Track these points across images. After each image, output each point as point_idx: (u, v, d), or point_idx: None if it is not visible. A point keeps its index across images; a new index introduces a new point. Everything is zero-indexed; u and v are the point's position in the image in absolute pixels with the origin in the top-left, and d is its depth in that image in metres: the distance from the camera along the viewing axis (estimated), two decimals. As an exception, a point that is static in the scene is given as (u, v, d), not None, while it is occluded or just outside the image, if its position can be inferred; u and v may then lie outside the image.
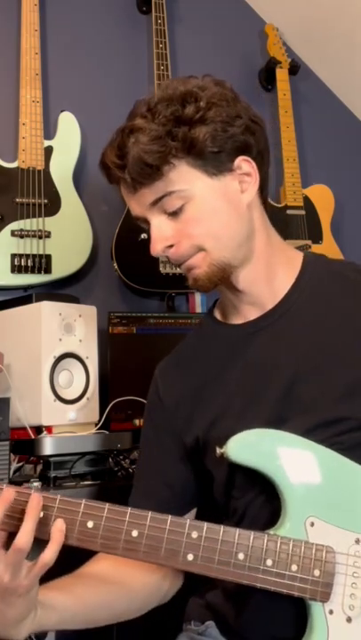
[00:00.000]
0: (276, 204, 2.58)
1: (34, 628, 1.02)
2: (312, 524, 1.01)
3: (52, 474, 1.60)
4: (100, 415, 1.82)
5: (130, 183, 1.12)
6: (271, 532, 1.01)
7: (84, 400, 1.77)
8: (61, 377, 1.75)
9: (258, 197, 1.19)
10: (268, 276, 1.19)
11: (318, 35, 2.78)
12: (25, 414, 1.68)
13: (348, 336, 1.16)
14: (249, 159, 1.14)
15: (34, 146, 2.18)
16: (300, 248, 2.42)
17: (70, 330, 1.77)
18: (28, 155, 2.16)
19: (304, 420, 1.08)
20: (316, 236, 2.58)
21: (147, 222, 1.16)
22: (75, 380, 1.78)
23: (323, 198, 2.65)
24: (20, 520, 0.95)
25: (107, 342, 2.04)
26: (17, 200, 2.12)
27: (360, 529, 1.02)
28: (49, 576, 1.01)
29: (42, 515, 0.96)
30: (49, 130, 2.26)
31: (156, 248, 1.14)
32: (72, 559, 1.05)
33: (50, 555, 0.96)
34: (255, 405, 1.13)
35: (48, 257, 2.11)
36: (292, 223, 2.55)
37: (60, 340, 1.75)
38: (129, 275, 2.23)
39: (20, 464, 1.73)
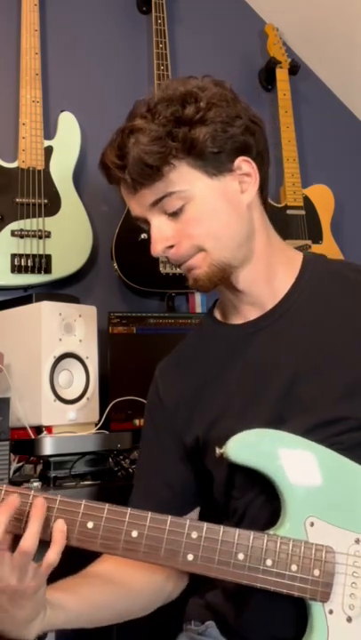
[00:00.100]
0: (276, 204, 2.58)
1: (43, 627, 1.03)
2: (312, 524, 1.01)
3: (52, 474, 1.60)
4: (100, 415, 1.82)
5: (130, 184, 1.12)
6: (271, 532, 1.01)
7: (84, 400, 1.77)
8: (61, 377, 1.75)
9: (258, 198, 1.19)
10: (268, 276, 1.20)
11: (318, 35, 2.78)
12: (25, 414, 1.68)
13: (348, 336, 1.16)
14: (249, 159, 1.14)
15: (34, 146, 2.18)
16: (300, 248, 2.42)
17: (70, 330, 1.77)
18: (28, 155, 2.16)
19: (304, 419, 1.08)
20: (317, 236, 2.58)
21: (147, 223, 1.16)
22: (75, 379, 1.78)
23: (323, 198, 2.65)
24: (25, 523, 0.95)
25: (107, 342, 2.04)
26: (17, 200, 2.12)
27: (360, 529, 1.02)
28: (53, 577, 1.01)
29: None
30: (49, 130, 2.26)
31: (157, 248, 1.14)
32: (75, 559, 1.05)
33: (53, 556, 0.96)
34: (255, 405, 1.13)
35: (48, 257, 2.11)
36: (292, 223, 2.55)
37: (60, 340, 1.75)
38: (129, 275, 2.23)
39: (20, 464, 1.73)
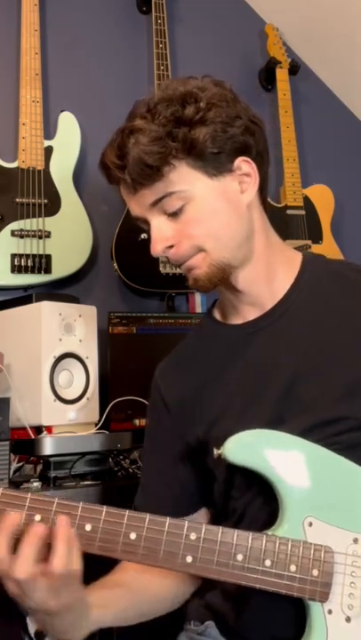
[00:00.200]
0: (276, 204, 2.58)
1: (90, 628, 1.05)
2: (310, 524, 1.01)
3: (52, 474, 1.60)
4: (100, 415, 1.82)
5: (130, 184, 1.12)
6: (269, 532, 1.01)
7: (84, 400, 1.78)
8: (61, 377, 1.75)
9: (257, 198, 1.19)
10: (268, 276, 1.20)
11: (318, 35, 2.78)
12: (25, 414, 1.68)
13: (347, 336, 1.16)
14: (249, 160, 1.14)
15: (34, 146, 2.18)
16: (300, 248, 2.42)
17: (70, 330, 1.78)
18: (28, 155, 2.16)
19: (304, 419, 1.08)
20: (316, 236, 2.58)
21: (147, 223, 1.16)
22: (75, 379, 1.79)
23: (323, 198, 2.66)
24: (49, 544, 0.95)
25: (107, 342, 2.04)
26: (17, 200, 2.12)
27: (358, 528, 1.02)
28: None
29: (39, 518, 0.95)
30: (49, 130, 2.27)
31: (157, 249, 1.14)
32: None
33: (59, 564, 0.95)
34: (255, 405, 1.13)
35: (48, 257, 2.11)
36: (292, 223, 2.55)
37: (60, 340, 1.75)
38: (129, 275, 2.23)
39: (20, 464, 1.73)
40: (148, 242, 1.16)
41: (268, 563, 0.98)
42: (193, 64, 2.54)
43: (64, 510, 0.96)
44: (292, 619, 1.02)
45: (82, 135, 2.28)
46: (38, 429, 1.69)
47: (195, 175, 1.11)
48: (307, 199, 2.62)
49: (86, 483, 1.62)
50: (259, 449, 1.04)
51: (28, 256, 2.09)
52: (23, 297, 1.94)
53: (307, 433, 1.06)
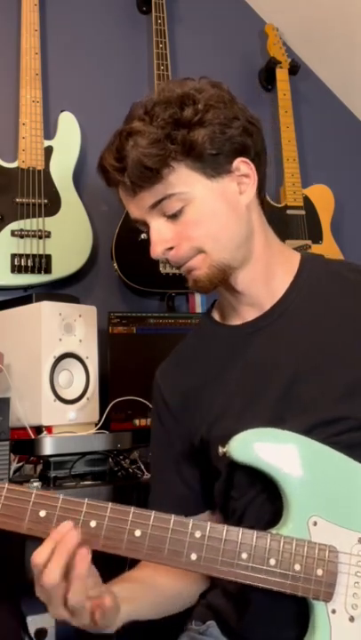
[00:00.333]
0: (276, 204, 2.58)
1: (120, 623, 1.05)
2: (315, 524, 1.01)
3: (52, 474, 1.60)
4: (100, 415, 1.82)
5: (129, 186, 1.12)
6: (274, 531, 1.01)
7: (84, 400, 1.77)
8: (61, 377, 1.75)
9: (256, 198, 1.19)
10: (267, 276, 1.20)
11: (318, 35, 2.79)
12: (25, 414, 1.68)
13: (347, 336, 1.16)
14: (247, 160, 1.15)
15: (34, 146, 2.17)
16: (300, 248, 2.42)
17: (70, 330, 1.77)
18: (28, 155, 2.16)
19: (303, 419, 1.08)
20: (317, 236, 2.58)
21: (146, 225, 1.16)
22: (75, 379, 1.78)
23: (323, 198, 2.66)
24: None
25: (107, 342, 2.04)
26: (17, 200, 2.12)
27: (363, 528, 1.02)
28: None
29: (44, 514, 0.95)
30: (49, 130, 2.26)
31: (156, 251, 1.14)
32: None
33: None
34: (255, 405, 1.13)
35: (48, 257, 2.11)
36: (292, 223, 2.55)
37: (60, 340, 1.75)
38: (129, 275, 2.22)
39: (20, 464, 1.72)
40: (148, 242, 1.16)
41: (272, 562, 0.98)
42: (193, 64, 2.54)
43: (69, 507, 0.96)
44: (294, 618, 1.02)
45: (82, 135, 2.27)
46: (38, 429, 1.69)
47: (194, 177, 1.12)
48: (307, 199, 2.62)
49: (86, 483, 1.61)
50: (264, 447, 1.03)
51: (28, 256, 2.09)
52: (23, 297, 1.93)
53: (307, 433, 1.06)
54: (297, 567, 0.98)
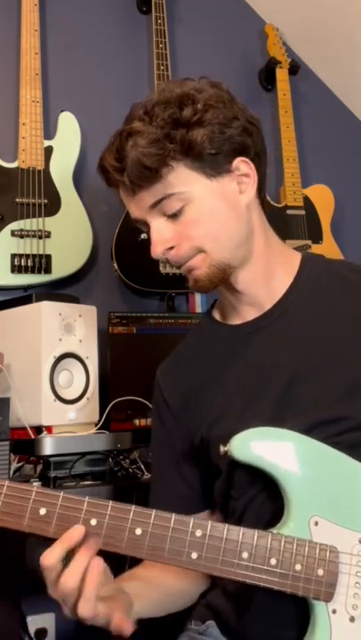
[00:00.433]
0: (276, 204, 2.58)
1: (133, 617, 1.05)
2: (316, 524, 1.01)
3: (52, 474, 1.60)
4: (100, 415, 1.82)
5: (129, 186, 1.12)
6: (275, 531, 1.00)
7: (83, 400, 1.77)
8: (61, 377, 1.75)
9: (256, 198, 1.19)
10: (267, 276, 1.20)
11: (318, 35, 2.78)
12: (25, 414, 1.68)
13: (348, 336, 1.16)
14: (247, 160, 1.15)
15: (34, 146, 2.17)
16: (300, 248, 2.42)
17: (70, 330, 1.77)
18: (28, 155, 2.16)
19: (303, 419, 1.08)
20: (316, 236, 2.58)
21: (146, 225, 1.16)
22: (75, 380, 1.78)
23: (323, 198, 2.65)
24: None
25: (107, 342, 2.04)
26: (17, 200, 2.12)
27: (364, 529, 1.02)
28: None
29: (44, 512, 0.95)
30: (49, 130, 2.26)
31: (157, 250, 1.14)
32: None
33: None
34: (255, 405, 1.13)
35: (48, 257, 2.11)
36: (292, 223, 2.55)
37: (60, 340, 1.75)
38: (129, 275, 2.22)
39: (20, 464, 1.72)
40: (148, 242, 1.16)
41: (273, 561, 0.97)
42: (193, 64, 2.54)
43: (70, 505, 0.96)
44: (294, 618, 1.02)
45: (82, 135, 2.27)
46: (38, 429, 1.69)
47: (193, 176, 1.12)
48: (307, 199, 2.62)
49: (86, 483, 1.62)
50: (265, 447, 1.03)
51: (28, 256, 2.09)
52: (23, 297, 1.93)
53: (307, 433, 1.06)
54: (298, 567, 0.98)
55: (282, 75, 2.72)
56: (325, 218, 2.62)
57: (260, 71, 2.81)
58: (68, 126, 2.28)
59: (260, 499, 1.09)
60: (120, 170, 1.12)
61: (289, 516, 1.01)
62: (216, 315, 1.28)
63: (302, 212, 2.58)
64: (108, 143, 1.14)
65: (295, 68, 2.77)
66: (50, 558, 0.93)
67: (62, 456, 1.62)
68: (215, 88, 1.15)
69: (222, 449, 1.03)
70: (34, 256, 2.09)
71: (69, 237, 2.16)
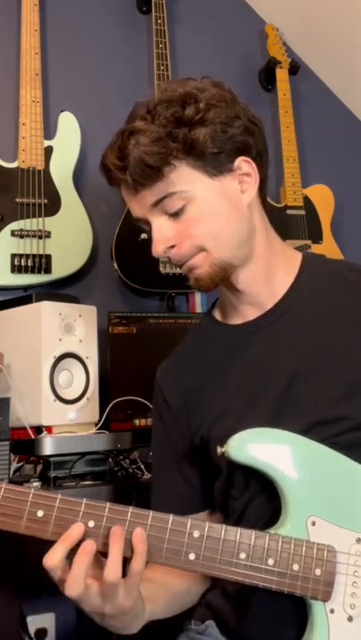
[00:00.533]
0: (276, 204, 2.58)
1: (144, 621, 1.07)
2: (313, 524, 1.01)
3: (52, 474, 1.60)
4: (100, 415, 1.82)
5: (131, 185, 1.13)
6: (272, 531, 1.01)
7: (83, 400, 1.77)
8: (61, 377, 1.75)
9: (257, 197, 1.19)
10: (268, 275, 1.20)
11: (318, 35, 2.78)
12: (25, 414, 1.68)
13: (348, 336, 1.16)
14: (249, 159, 1.15)
15: (34, 146, 2.17)
16: (300, 248, 2.41)
17: (70, 330, 1.78)
18: (28, 155, 2.16)
19: (303, 419, 1.09)
20: (316, 236, 2.58)
21: (148, 223, 1.16)
22: (75, 380, 1.79)
23: (323, 198, 2.65)
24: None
25: (107, 342, 2.04)
26: (17, 200, 2.12)
27: (361, 528, 1.02)
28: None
29: (42, 514, 0.95)
30: (49, 130, 2.26)
31: (158, 249, 1.14)
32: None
33: (137, 566, 0.96)
34: (255, 405, 1.13)
35: (48, 257, 2.11)
36: (292, 223, 2.55)
37: (60, 340, 1.75)
38: (129, 275, 2.22)
39: (20, 464, 1.72)
40: (148, 242, 1.16)
41: (270, 561, 0.98)
42: (193, 64, 2.54)
43: (67, 507, 0.96)
44: (292, 618, 1.02)
45: (82, 135, 2.27)
46: (38, 429, 1.69)
47: (195, 175, 1.12)
48: (307, 199, 2.62)
49: (86, 483, 1.62)
50: (263, 447, 1.04)
51: (28, 256, 2.09)
52: (23, 297, 1.93)
53: (306, 433, 1.06)
54: (295, 567, 0.98)
55: (282, 75, 2.72)
56: (325, 218, 2.62)
57: (260, 71, 2.81)
58: (68, 126, 2.28)
59: (259, 499, 1.09)
60: (122, 168, 1.12)
61: (286, 517, 1.02)
62: (217, 314, 1.29)
63: (302, 212, 2.58)
64: (111, 142, 1.15)
65: (295, 67, 2.76)
66: (52, 559, 0.93)
67: (62, 456, 1.62)
68: (217, 87, 1.15)
69: (219, 450, 1.03)
70: (34, 256, 2.09)
71: (69, 237, 2.16)
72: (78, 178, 2.25)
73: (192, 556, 0.97)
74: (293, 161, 2.63)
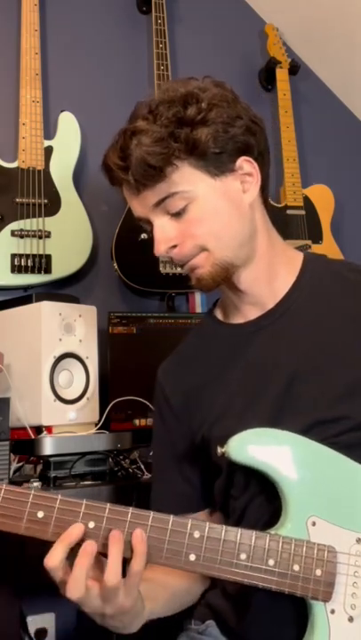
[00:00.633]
0: (276, 204, 2.58)
1: (144, 620, 1.07)
2: (313, 524, 1.01)
3: (52, 474, 1.60)
4: (100, 415, 1.82)
5: (133, 185, 1.13)
6: (273, 531, 1.01)
7: (83, 400, 1.77)
8: (61, 377, 1.75)
9: (259, 197, 1.20)
10: (270, 275, 1.20)
11: (318, 35, 2.78)
12: (25, 414, 1.68)
13: (348, 336, 1.16)
14: (250, 159, 1.15)
15: (34, 146, 2.17)
16: (300, 248, 2.41)
17: (70, 330, 1.77)
18: (28, 155, 2.16)
19: (303, 419, 1.09)
20: (316, 236, 2.58)
21: (149, 223, 1.16)
22: (75, 380, 1.78)
23: (323, 198, 2.65)
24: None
25: (107, 342, 2.04)
26: (17, 200, 2.12)
27: (361, 528, 1.02)
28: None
29: (42, 515, 0.95)
30: (49, 130, 2.26)
31: (160, 249, 1.15)
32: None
33: (137, 567, 0.96)
34: (256, 405, 1.13)
35: (48, 257, 2.11)
36: (292, 223, 2.55)
37: (60, 340, 1.75)
38: (129, 275, 2.22)
39: (20, 464, 1.72)
40: (149, 242, 1.16)
41: (271, 562, 0.98)
42: (193, 64, 2.54)
43: (67, 507, 0.96)
44: (293, 619, 1.02)
45: (82, 135, 2.27)
46: (38, 429, 1.69)
47: (197, 175, 1.12)
48: (307, 199, 2.62)
49: (86, 483, 1.62)
50: (262, 448, 1.03)
51: (28, 256, 2.09)
52: (23, 297, 1.93)
53: (306, 432, 1.06)
54: (296, 567, 0.98)
55: (282, 75, 2.72)
56: (325, 218, 2.62)
57: (260, 71, 2.81)
58: (68, 126, 2.28)
59: (259, 499, 1.09)
60: (124, 168, 1.12)
61: (286, 517, 1.02)
62: (218, 314, 1.29)
63: (302, 212, 2.58)
64: (112, 142, 1.15)
65: (295, 67, 2.76)
66: (53, 560, 0.93)
67: (62, 456, 1.62)
68: (219, 87, 1.15)
69: (219, 450, 1.03)
70: (34, 256, 2.09)
71: (69, 237, 2.16)
72: (78, 178, 2.25)
73: (192, 557, 0.97)
74: (293, 161, 2.63)
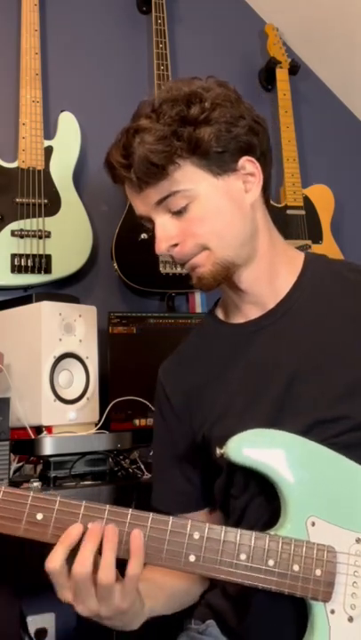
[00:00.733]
0: (276, 204, 2.58)
1: (145, 617, 1.07)
2: (313, 524, 1.01)
3: (52, 474, 1.60)
4: (100, 415, 1.82)
5: (135, 183, 1.13)
6: (272, 532, 1.01)
7: (83, 400, 1.77)
8: (61, 377, 1.75)
9: (261, 197, 1.20)
10: (271, 275, 1.20)
11: (318, 35, 2.78)
12: (25, 414, 1.68)
13: (348, 336, 1.16)
14: (253, 159, 1.15)
15: (34, 146, 2.17)
16: (300, 248, 2.42)
17: (70, 330, 1.78)
18: (28, 155, 2.16)
19: (303, 419, 1.09)
20: (317, 236, 2.58)
21: (151, 221, 1.16)
22: (75, 380, 1.79)
23: (323, 198, 2.65)
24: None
25: (107, 342, 2.04)
26: (17, 200, 2.12)
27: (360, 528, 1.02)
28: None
29: (41, 517, 0.95)
30: (49, 130, 2.26)
31: (161, 247, 1.15)
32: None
33: (134, 569, 0.96)
34: (256, 404, 1.14)
35: (48, 257, 2.11)
36: (292, 223, 2.55)
37: (60, 340, 1.75)
38: (129, 275, 2.22)
39: (20, 464, 1.73)
40: (150, 242, 1.16)
41: (271, 562, 0.98)
42: (193, 64, 2.54)
43: (67, 509, 0.96)
44: (293, 619, 1.02)
45: (82, 135, 2.27)
46: (38, 429, 1.69)
47: (199, 174, 1.12)
48: (307, 199, 2.62)
49: (86, 483, 1.62)
50: (261, 448, 1.03)
51: (28, 256, 2.09)
52: (23, 297, 1.93)
53: (306, 432, 1.06)
54: (296, 567, 0.98)
55: (282, 75, 2.72)
56: (325, 218, 2.62)
57: (260, 71, 2.81)
58: (68, 126, 2.28)
59: (259, 499, 1.09)
60: (127, 166, 1.12)
61: (286, 518, 1.02)
62: (219, 313, 1.29)
63: (302, 212, 2.58)
64: (115, 140, 1.15)
65: (295, 68, 2.76)
66: (54, 561, 0.93)
67: (62, 456, 1.62)
68: (222, 87, 1.16)
69: (218, 451, 1.03)
70: (34, 256, 2.09)
71: (69, 237, 2.16)
72: (78, 178, 2.25)
73: (192, 558, 0.97)
74: (293, 161, 2.63)
